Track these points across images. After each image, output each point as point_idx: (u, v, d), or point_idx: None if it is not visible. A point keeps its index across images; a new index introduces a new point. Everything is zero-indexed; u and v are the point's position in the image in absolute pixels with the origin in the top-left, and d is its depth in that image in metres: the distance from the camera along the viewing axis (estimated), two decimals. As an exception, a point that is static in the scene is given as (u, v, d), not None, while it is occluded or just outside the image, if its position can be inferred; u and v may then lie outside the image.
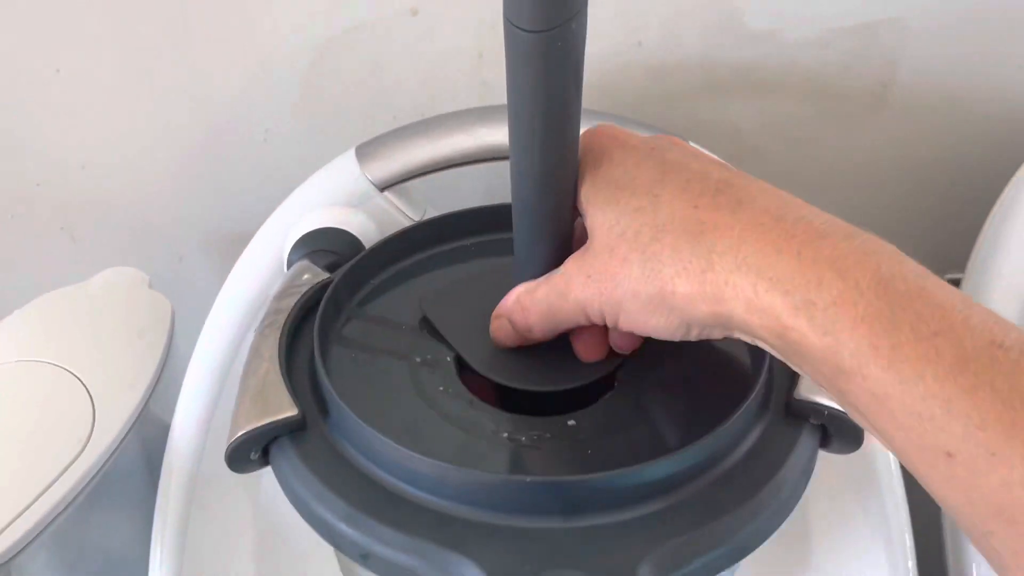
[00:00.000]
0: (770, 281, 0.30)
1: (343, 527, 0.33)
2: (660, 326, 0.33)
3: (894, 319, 0.28)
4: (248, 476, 0.51)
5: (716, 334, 0.33)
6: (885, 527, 0.49)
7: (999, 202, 0.60)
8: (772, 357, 0.33)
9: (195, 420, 0.48)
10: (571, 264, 0.36)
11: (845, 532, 0.49)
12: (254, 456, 0.36)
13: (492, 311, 0.39)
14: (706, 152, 0.39)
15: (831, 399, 0.36)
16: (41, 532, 0.42)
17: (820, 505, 0.49)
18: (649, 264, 0.32)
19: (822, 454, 0.38)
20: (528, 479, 0.32)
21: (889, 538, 0.48)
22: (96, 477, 0.46)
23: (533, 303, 0.37)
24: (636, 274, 0.33)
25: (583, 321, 0.36)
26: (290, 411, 0.35)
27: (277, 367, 0.37)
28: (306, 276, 0.44)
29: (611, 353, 0.39)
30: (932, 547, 0.53)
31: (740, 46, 0.64)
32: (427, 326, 0.41)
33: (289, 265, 0.49)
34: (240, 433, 0.35)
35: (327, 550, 0.50)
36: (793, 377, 0.37)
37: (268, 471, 0.51)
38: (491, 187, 0.66)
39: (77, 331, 0.55)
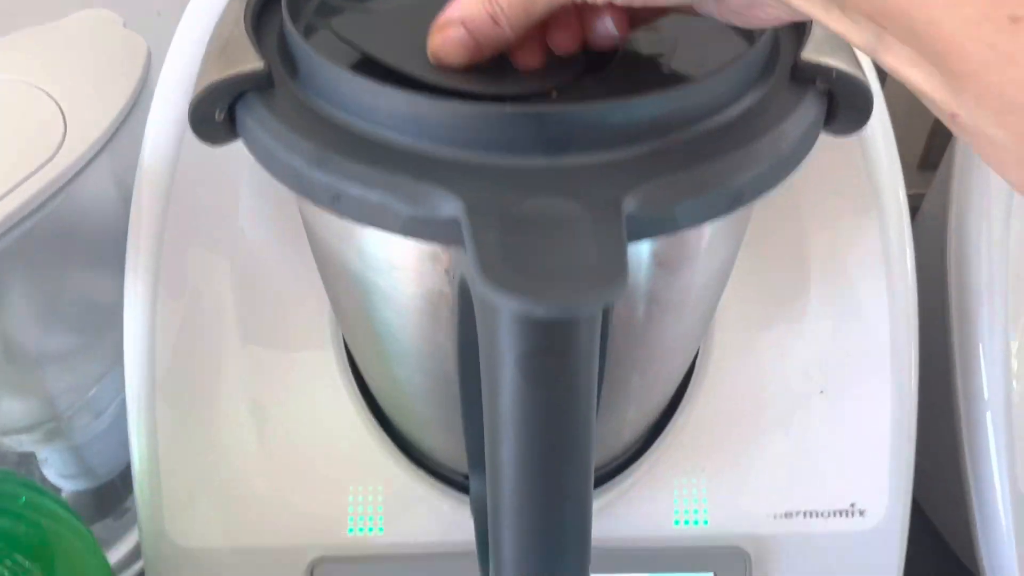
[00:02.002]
0: None
1: (312, 170, 0.30)
2: None
3: None
4: (225, 198, 0.49)
5: None
6: (885, 242, 0.48)
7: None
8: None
9: (170, 123, 0.45)
10: None
11: (845, 246, 0.48)
12: (219, 116, 0.33)
13: None
14: None
15: (840, 62, 0.34)
16: (12, 227, 0.41)
17: (816, 209, 0.48)
18: None
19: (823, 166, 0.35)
20: (508, 109, 0.29)
21: (888, 253, 0.47)
22: (68, 185, 0.44)
23: None
24: None
25: None
26: (255, 63, 0.33)
27: (242, 26, 0.35)
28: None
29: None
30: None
31: None
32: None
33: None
34: (203, 86, 0.32)
35: (305, 270, 0.47)
36: (799, 40, 0.35)
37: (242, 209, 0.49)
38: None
39: (49, 58, 0.52)
